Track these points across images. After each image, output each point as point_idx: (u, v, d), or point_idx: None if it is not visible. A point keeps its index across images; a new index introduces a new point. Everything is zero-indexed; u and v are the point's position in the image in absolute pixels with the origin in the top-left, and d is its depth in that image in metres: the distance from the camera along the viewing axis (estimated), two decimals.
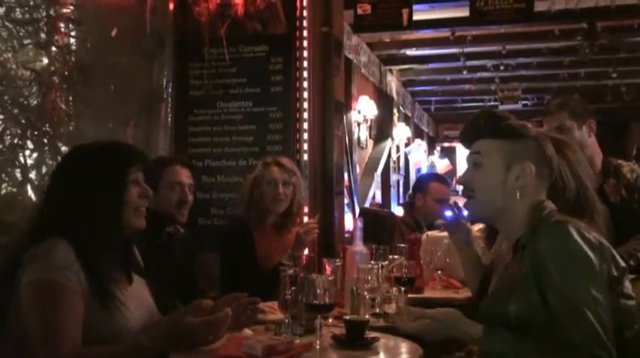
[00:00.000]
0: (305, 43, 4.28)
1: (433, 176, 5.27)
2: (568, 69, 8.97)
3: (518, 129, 1.85)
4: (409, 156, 10.65)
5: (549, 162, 1.84)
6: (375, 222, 4.35)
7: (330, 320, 2.36)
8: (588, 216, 2.18)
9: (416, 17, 5.35)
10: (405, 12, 4.79)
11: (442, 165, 12.19)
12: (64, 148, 3.31)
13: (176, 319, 1.96)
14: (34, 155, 3.18)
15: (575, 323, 1.59)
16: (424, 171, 10.76)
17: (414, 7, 5.10)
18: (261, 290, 2.31)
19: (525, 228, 1.79)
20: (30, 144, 3.16)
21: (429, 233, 3.55)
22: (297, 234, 3.20)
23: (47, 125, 3.26)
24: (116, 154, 2.07)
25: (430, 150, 13.25)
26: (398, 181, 10.15)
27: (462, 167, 14.22)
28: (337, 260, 2.78)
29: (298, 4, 4.28)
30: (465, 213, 2.20)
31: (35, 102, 3.20)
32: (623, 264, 1.73)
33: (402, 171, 10.52)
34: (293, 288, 2.12)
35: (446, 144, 14.89)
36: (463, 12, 5.17)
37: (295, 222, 3.39)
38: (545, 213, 1.78)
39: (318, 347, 1.99)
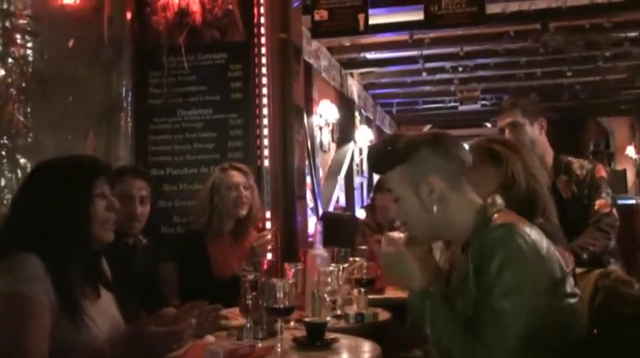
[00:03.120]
0: (263, 50, 4.31)
1: None
2: (524, 69, 9.15)
3: (405, 150, 1.83)
4: None
5: (449, 157, 1.83)
6: (337, 225, 4.41)
7: (292, 323, 2.41)
8: (540, 213, 2.26)
9: (373, 21, 5.41)
10: (361, 17, 4.85)
11: None
12: (22, 160, 3.31)
13: (139, 328, 1.97)
14: None
15: (495, 328, 1.65)
16: None
17: (372, 10, 5.15)
18: (219, 300, 2.32)
19: (472, 230, 1.81)
20: None
21: (389, 233, 3.60)
22: (251, 246, 3.23)
23: (5, 137, 3.25)
24: (80, 168, 2.06)
25: None
26: (361, 184, 10.24)
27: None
28: (298, 264, 2.82)
29: (255, 11, 4.31)
30: None
31: None
32: (566, 266, 1.77)
33: (366, 174, 10.60)
34: (254, 293, 2.16)
35: None
36: (419, 15, 5.25)
37: (251, 228, 3.41)
38: (490, 213, 1.80)
39: (279, 349, 2.04)
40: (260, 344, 2.10)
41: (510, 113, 3.20)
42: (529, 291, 1.65)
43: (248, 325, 2.16)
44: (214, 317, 2.22)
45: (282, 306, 2.04)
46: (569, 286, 1.76)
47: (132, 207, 2.93)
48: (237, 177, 3.36)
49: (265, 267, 2.85)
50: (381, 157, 1.90)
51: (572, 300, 1.75)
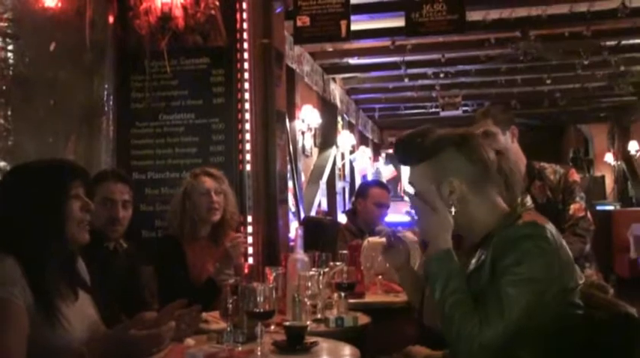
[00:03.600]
0: (246, 55, 4.32)
1: (374, 182, 5.40)
2: (505, 76, 9.25)
3: (432, 148, 1.87)
4: (354, 164, 10.79)
5: (473, 161, 1.86)
6: (319, 230, 4.43)
7: (272, 327, 2.42)
8: None
9: (356, 27, 5.46)
10: (343, 23, 4.87)
11: (387, 172, 12.38)
12: (2, 163, 3.29)
13: (119, 332, 1.98)
14: None
15: (494, 309, 1.68)
16: (370, 177, 10.92)
17: (355, 16, 5.20)
18: (197, 303, 2.34)
19: (492, 228, 1.84)
20: None
21: (370, 239, 3.64)
22: (224, 248, 3.24)
23: None
24: (57, 170, 2.09)
25: (375, 157, 13.44)
26: (343, 188, 10.28)
27: (407, 173, 14.48)
28: (279, 268, 2.84)
29: (238, 16, 4.33)
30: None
31: None
32: (580, 279, 1.81)
33: (348, 179, 10.65)
34: (234, 297, 2.18)
35: (391, 151, 15.12)
36: (400, 22, 5.30)
37: (228, 231, 3.43)
38: (519, 211, 1.84)
39: (259, 353, 2.05)
40: (240, 348, 2.11)
41: (483, 123, 3.26)
42: (537, 289, 1.69)
43: (228, 329, 2.17)
44: (193, 317, 2.23)
45: (262, 310, 2.06)
46: (578, 298, 1.79)
47: (114, 211, 2.94)
48: (208, 182, 3.38)
49: (246, 270, 2.87)
50: (407, 151, 1.94)
51: (579, 312, 1.79)
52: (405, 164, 1.96)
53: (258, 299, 2.06)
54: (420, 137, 1.92)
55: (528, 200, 1.90)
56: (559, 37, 7.23)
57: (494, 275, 1.73)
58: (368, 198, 4.45)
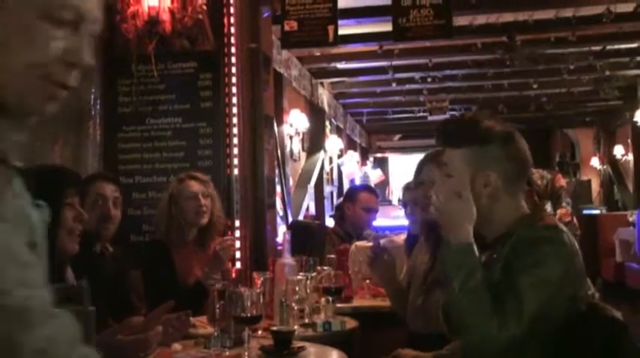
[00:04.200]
0: (233, 59, 4.33)
1: (362, 187, 5.42)
2: (492, 80, 9.30)
3: (481, 137, 1.84)
4: (342, 168, 10.80)
5: (514, 159, 1.84)
6: (307, 234, 4.42)
7: (260, 331, 2.42)
8: None
9: (344, 32, 5.47)
10: (330, 28, 4.88)
11: (375, 176, 12.39)
12: None
13: (106, 337, 1.97)
14: None
15: (511, 317, 1.67)
16: (357, 182, 10.94)
17: (342, 21, 5.21)
18: (185, 307, 2.33)
19: (507, 228, 1.83)
20: None
21: (358, 243, 3.65)
22: (214, 251, 3.22)
23: None
24: (52, 176, 2.08)
25: (363, 161, 13.45)
26: (331, 193, 10.28)
27: (394, 177, 14.48)
28: (267, 272, 2.84)
29: (226, 21, 4.33)
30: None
31: None
32: (589, 289, 1.85)
33: (336, 183, 10.65)
34: (222, 302, 2.18)
35: (379, 155, 15.18)
36: (388, 26, 5.32)
37: (215, 235, 3.42)
38: (540, 215, 1.87)
39: None
40: (227, 353, 2.11)
41: None
42: (552, 292, 1.69)
43: (216, 333, 2.17)
44: (182, 322, 2.22)
45: (249, 315, 2.06)
46: (584, 307, 1.80)
47: (106, 208, 2.93)
48: (195, 186, 3.36)
49: (233, 275, 2.86)
50: (454, 133, 1.90)
51: (583, 319, 1.79)
52: (447, 143, 1.91)
53: (246, 303, 2.06)
54: (471, 122, 1.90)
55: (548, 206, 1.92)
56: (545, 42, 7.29)
57: (509, 273, 1.73)
58: (356, 202, 4.46)
